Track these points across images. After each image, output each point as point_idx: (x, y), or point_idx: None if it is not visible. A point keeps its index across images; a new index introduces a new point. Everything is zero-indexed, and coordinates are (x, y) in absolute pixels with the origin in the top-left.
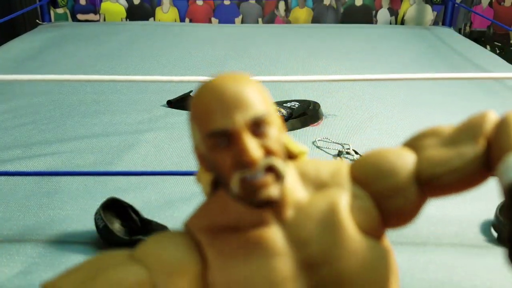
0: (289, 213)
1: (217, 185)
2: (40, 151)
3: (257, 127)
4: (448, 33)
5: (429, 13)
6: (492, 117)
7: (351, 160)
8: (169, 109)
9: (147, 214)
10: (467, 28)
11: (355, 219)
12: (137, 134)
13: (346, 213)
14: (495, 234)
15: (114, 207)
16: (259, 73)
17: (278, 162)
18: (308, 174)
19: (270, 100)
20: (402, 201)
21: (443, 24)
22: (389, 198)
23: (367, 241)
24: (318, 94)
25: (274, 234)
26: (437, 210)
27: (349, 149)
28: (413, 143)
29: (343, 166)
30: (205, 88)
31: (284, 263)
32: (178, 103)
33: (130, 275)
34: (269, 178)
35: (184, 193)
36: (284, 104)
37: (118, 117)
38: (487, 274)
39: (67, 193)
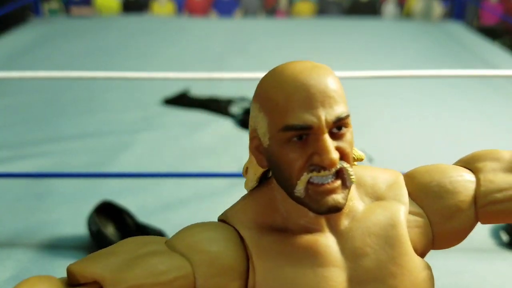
0: (344, 222)
1: (262, 180)
2: (31, 151)
3: (337, 127)
4: (457, 28)
5: (438, 7)
6: None
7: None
8: (166, 107)
9: (142, 217)
10: (476, 22)
11: (411, 237)
12: (132, 134)
13: (405, 230)
14: (505, 237)
15: (108, 211)
16: (259, 69)
17: (349, 168)
18: (365, 183)
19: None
20: (458, 223)
21: (452, 18)
22: (446, 219)
23: (419, 262)
24: None
25: (328, 243)
26: None
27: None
28: (472, 164)
29: (400, 178)
30: (285, 75)
31: (336, 274)
32: (175, 101)
33: (173, 268)
34: (337, 183)
35: (181, 196)
36: None
37: (113, 116)
38: (496, 279)
39: (59, 195)
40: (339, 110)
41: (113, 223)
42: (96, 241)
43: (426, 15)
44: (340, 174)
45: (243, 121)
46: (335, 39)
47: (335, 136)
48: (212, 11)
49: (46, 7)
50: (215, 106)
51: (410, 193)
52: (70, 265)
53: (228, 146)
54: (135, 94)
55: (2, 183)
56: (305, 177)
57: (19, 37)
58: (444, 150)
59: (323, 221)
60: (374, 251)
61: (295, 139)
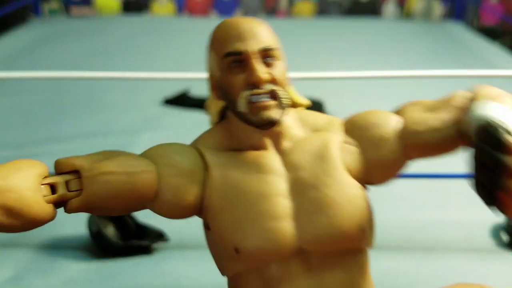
0: (286, 144)
1: (222, 116)
2: (31, 151)
3: (266, 57)
4: (457, 28)
5: (438, 7)
6: (464, 92)
7: None
8: (166, 108)
9: (142, 218)
10: (476, 22)
11: (344, 159)
12: (132, 134)
13: (337, 151)
14: (505, 238)
15: None
16: None
17: (281, 90)
18: (306, 120)
19: (278, 42)
20: (385, 152)
21: (452, 18)
22: (375, 147)
23: (351, 180)
24: (321, 92)
25: (272, 157)
26: (445, 214)
27: None
28: (397, 110)
29: (337, 119)
30: (225, 21)
31: (277, 181)
32: (175, 101)
33: (141, 164)
34: (272, 102)
35: None
36: None
37: (113, 116)
38: (497, 279)
39: None
40: (266, 43)
41: (113, 223)
42: (96, 241)
43: (426, 15)
44: (274, 95)
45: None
46: (335, 39)
47: (267, 65)
48: (212, 11)
49: (46, 7)
50: None
51: (346, 130)
52: (58, 159)
53: None
54: (135, 94)
55: None
56: (243, 94)
57: (19, 37)
58: None
59: (268, 141)
60: (309, 164)
61: (233, 64)
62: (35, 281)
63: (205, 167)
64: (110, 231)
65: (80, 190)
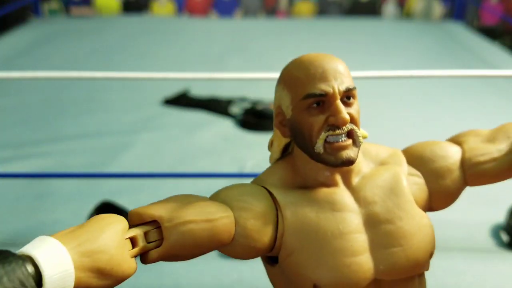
0: (355, 179)
1: (284, 153)
2: (31, 151)
3: (347, 97)
4: (457, 28)
5: (438, 7)
6: None
7: None
8: (165, 107)
9: None
10: (476, 22)
11: (411, 191)
12: (132, 134)
13: (406, 184)
14: (505, 238)
15: (108, 211)
16: (259, 69)
17: (358, 130)
18: (369, 152)
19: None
20: (449, 182)
21: (452, 18)
22: (439, 178)
23: (419, 210)
24: None
25: (343, 194)
26: (444, 214)
27: None
28: (456, 139)
29: (399, 150)
30: (302, 59)
31: (352, 217)
32: (175, 101)
33: (219, 210)
34: (349, 142)
35: None
36: None
37: (112, 116)
38: (497, 279)
39: (59, 195)
40: (348, 83)
41: None
42: None
43: (426, 15)
44: (351, 135)
45: (243, 121)
46: (335, 39)
47: (345, 105)
48: (212, 11)
49: (46, 7)
50: (215, 106)
51: (408, 161)
52: (131, 210)
53: (228, 147)
54: (135, 94)
55: (2, 183)
56: (323, 135)
57: (19, 37)
58: None
59: (337, 177)
60: (381, 199)
61: (314, 105)
62: None
63: (276, 206)
64: None
65: (159, 240)
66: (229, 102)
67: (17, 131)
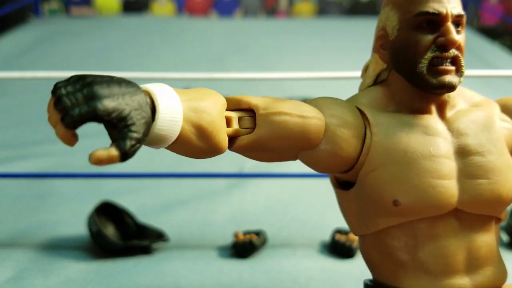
0: (450, 112)
1: (376, 81)
2: (31, 151)
3: (457, 24)
4: None
5: None
6: None
7: None
8: None
9: (142, 217)
10: (476, 22)
11: (502, 134)
12: None
13: (499, 124)
14: (505, 238)
15: (108, 211)
16: (259, 69)
17: (462, 59)
18: (464, 94)
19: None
20: None
21: None
22: None
23: (508, 151)
24: (321, 92)
25: (436, 121)
26: None
27: None
28: None
29: (490, 100)
30: None
31: (444, 143)
32: None
33: (313, 111)
34: (452, 67)
35: (181, 196)
36: None
37: None
38: None
39: (59, 196)
40: (459, 9)
41: (113, 224)
42: (96, 241)
43: None
44: (455, 62)
45: None
46: (335, 39)
47: (456, 31)
48: (212, 11)
49: (46, 7)
50: None
51: (502, 107)
52: (229, 96)
53: None
54: None
55: (2, 183)
56: (428, 55)
57: (19, 37)
58: None
59: (432, 107)
60: (475, 133)
61: (424, 24)
62: (35, 281)
63: (365, 124)
64: (110, 231)
65: (251, 128)
66: None
67: (17, 131)
